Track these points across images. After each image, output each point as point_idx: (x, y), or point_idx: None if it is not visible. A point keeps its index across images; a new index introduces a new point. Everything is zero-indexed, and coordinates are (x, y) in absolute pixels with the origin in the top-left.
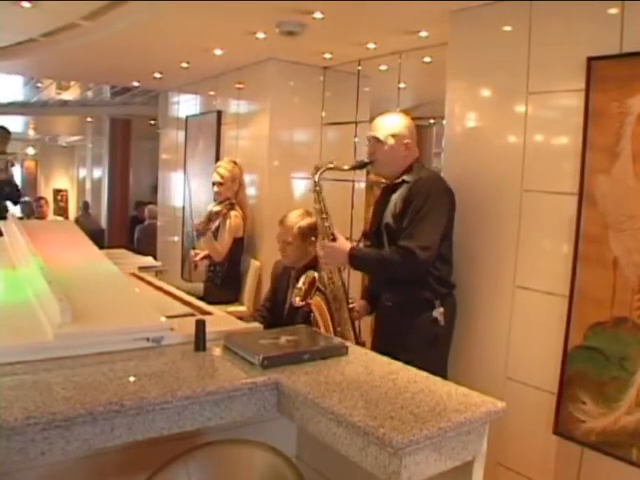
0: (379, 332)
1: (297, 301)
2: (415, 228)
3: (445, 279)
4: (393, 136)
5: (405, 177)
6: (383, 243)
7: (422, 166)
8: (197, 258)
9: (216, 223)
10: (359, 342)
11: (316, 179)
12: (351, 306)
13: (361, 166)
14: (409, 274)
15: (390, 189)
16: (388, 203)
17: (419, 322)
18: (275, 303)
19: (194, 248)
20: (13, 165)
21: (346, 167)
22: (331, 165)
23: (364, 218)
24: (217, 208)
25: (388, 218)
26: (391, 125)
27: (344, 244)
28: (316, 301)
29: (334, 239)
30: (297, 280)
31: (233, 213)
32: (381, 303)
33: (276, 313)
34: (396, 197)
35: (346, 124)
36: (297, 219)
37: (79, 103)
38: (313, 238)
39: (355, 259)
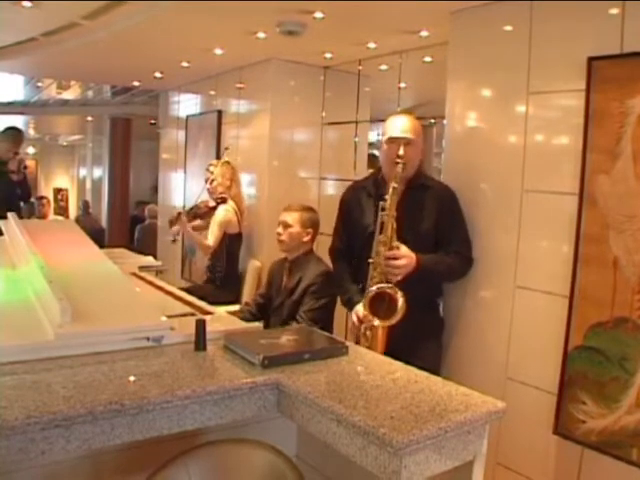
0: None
1: (379, 322)
2: (463, 234)
3: None
4: (419, 136)
5: (423, 181)
6: (422, 247)
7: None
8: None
9: (201, 218)
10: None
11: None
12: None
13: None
14: (461, 278)
15: (412, 192)
16: (415, 206)
17: (429, 320)
18: (268, 298)
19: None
20: (26, 167)
21: (395, 184)
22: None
23: None
24: (203, 203)
25: (426, 223)
26: (416, 125)
27: (411, 253)
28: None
29: (398, 247)
30: (290, 271)
31: (223, 207)
32: None
33: (267, 306)
34: (426, 201)
35: (346, 124)
36: (302, 208)
37: (79, 102)
38: (310, 230)
39: (424, 268)
